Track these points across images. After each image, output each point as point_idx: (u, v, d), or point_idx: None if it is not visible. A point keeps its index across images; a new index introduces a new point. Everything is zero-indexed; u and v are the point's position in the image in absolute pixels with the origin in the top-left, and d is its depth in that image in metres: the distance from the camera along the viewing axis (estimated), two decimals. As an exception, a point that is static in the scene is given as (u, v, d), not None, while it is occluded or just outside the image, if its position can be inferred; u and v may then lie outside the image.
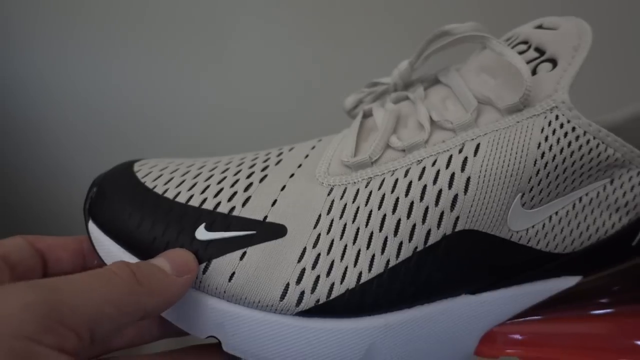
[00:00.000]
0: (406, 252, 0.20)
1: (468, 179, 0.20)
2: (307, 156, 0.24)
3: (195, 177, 0.23)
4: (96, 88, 0.62)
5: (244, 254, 0.20)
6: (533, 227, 0.21)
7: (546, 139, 0.20)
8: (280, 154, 0.25)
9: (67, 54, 0.60)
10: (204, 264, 0.20)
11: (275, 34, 0.53)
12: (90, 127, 0.64)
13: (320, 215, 0.21)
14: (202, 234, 0.21)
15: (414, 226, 0.20)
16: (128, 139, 0.64)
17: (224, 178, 0.23)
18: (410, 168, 0.21)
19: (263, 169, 0.23)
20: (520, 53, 0.23)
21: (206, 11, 0.54)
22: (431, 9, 0.48)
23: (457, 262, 0.21)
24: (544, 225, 0.22)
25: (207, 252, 0.20)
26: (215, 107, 0.58)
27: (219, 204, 0.22)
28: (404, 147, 0.22)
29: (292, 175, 0.23)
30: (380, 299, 0.20)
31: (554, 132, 0.20)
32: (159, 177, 0.23)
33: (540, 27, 0.24)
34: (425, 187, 0.20)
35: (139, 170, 0.23)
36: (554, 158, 0.20)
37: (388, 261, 0.20)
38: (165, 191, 0.22)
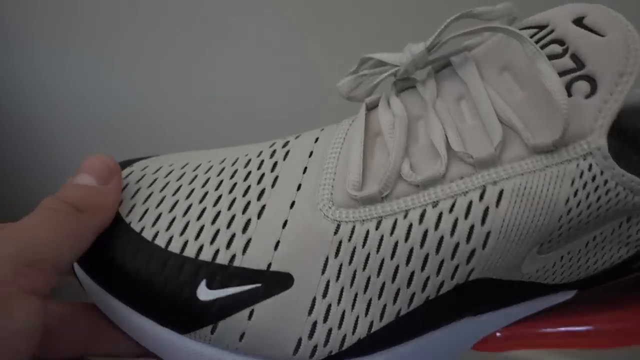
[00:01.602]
0: (418, 301, 0.20)
1: (488, 234, 0.19)
2: (305, 170, 0.22)
3: (185, 213, 0.21)
4: (93, 87, 0.63)
5: (251, 312, 0.19)
6: (544, 267, 0.21)
7: (575, 193, 0.19)
8: (275, 165, 0.22)
9: (65, 53, 0.61)
10: (211, 326, 0.19)
11: (271, 33, 0.53)
12: (87, 126, 0.67)
13: (327, 259, 0.20)
14: (204, 293, 0.19)
15: (427, 278, 0.19)
16: (124, 137, 0.66)
17: (218, 213, 0.21)
18: (425, 211, 0.19)
19: (260, 195, 0.21)
20: (553, 57, 0.20)
21: (202, 11, 0.54)
22: (431, 9, 0.47)
23: (467, 303, 0.21)
24: (554, 264, 0.21)
25: (212, 314, 0.19)
26: (211, 106, 0.59)
27: (217, 252, 0.20)
28: (419, 182, 0.20)
29: (292, 205, 0.21)
30: (389, 340, 0.20)
31: (584, 185, 0.18)
32: (144, 213, 0.21)
33: (581, 21, 0.20)
34: (442, 238, 0.19)
35: (121, 204, 0.21)
36: (579, 214, 0.19)
37: (400, 310, 0.20)
38: (156, 236, 0.20)
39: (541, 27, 0.21)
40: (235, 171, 0.22)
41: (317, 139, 0.23)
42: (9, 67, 0.66)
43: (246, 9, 0.53)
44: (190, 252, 0.20)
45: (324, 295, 0.20)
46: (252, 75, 0.57)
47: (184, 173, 0.22)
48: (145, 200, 0.21)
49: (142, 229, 0.20)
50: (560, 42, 0.20)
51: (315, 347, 0.19)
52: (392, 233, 0.19)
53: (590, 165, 0.18)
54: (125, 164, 0.23)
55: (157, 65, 0.59)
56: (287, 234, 0.20)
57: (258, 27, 0.54)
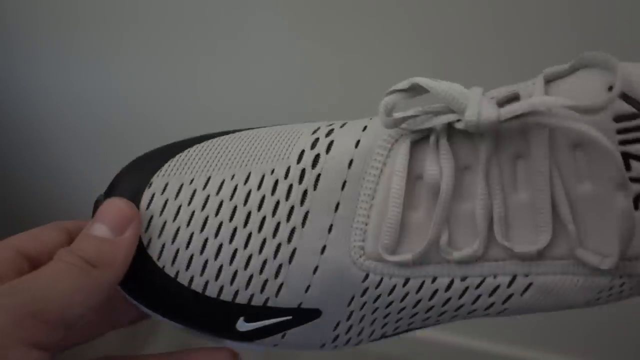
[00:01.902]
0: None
1: (504, 310, 0.20)
2: (337, 207, 0.21)
3: (217, 255, 0.21)
4: (94, 88, 0.65)
5: (284, 335, 0.22)
6: None
7: (597, 300, 0.19)
8: (305, 196, 0.21)
9: (66, 54, 0.63)
10: (248, 342, 0.22)
11: (270, 35, 0.53)
12: (88, 126, 0.69)
13: (353, 297, 0.21)
14: (242, 326, 0.22)
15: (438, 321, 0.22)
16: (124, 138, 0.68)
17: (250, 257, 0.21)
18: (453, 282, 0.20)
19: (290, 236, 0.21)
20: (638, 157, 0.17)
21: (202, 13, 0.54)
22: (430, 9, 0.47)
23: None
24: None
25: (249, 336, 0.22)
26: (212, 106, 0.60)
27: (252, 296, 0.21)
28: (454, 260, 0.20)
29: (323, 250, 0.21)
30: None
31: (608, 296, 0.19)
32: (176, 255, 0.21)
33: None
34: (462, 306, 0.20)
35: (150, 245, 0.21)
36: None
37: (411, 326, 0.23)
38: (191, 281, 0.21)
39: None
40: (263, 198, 0.21)
41: (351, 162, 0.21)
42: (9, 67, 0.67)
43: (247, 10, 0.53)
44: (226, 296, 0.21)
45: (347, 319, 0.22)
46: (253, 76, 0.57)
47: (208, 197, 0.21)
48: (174, 239, 0.21)
49: (177, 273, 0.21)
50: None
51: (336, 346, 0.23)
52: (417, 292, 0.21)
53: (623, 285, 0.19)
54: (141, 175, 0.22)
55: (158, 66, 0.60)
56: (317, 279, 0.21)
57: (259, 28, 0.54)
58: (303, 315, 0.22)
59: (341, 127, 0.22)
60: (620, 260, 0.18)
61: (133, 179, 0.22)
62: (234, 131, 0.23)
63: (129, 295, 0.22)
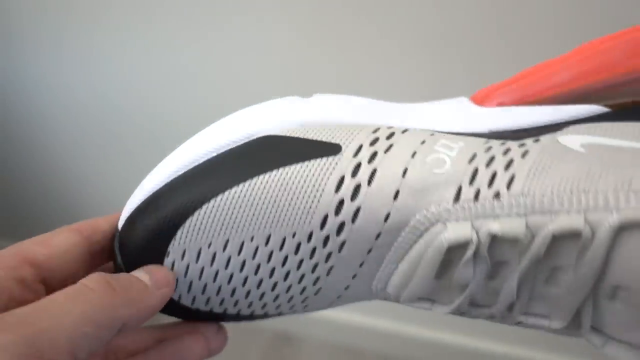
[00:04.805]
0: None
1: None
2: (362, 264, 0.21)
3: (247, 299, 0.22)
4: (94, 89, 0.65)
5: None
6: None
7: None
8: (329, 256, 0.20)
9: (66, 55, 0.63)
10: None
11: (274, 34, 0.54)
12: (89, 127, 0.69)
13: None
14: None
15: None
16: (125, 138, 0.68)
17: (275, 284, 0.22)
18: None
19: (315, 282, 0.21)
20: None
21: (204, 13, 0.55)
22: (431, 10, 0.47)
23: None
24: None
25: None
26: (215, 107, 0.59)
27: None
28: None
29: (347, 287, 0.22)
30: None
31: None
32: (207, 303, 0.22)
33: None
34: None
35: (181, 299, 0.22)
36: None
37: None
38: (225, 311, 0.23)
39: None
40: (286, 257, 0.21)
41: (379, 235, 0.20)
42: (9, 67, 0.66)
43: (250, 10, 0.53)
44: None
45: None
46: (253, 75, 0.57)
47: (230, 257, 0.21)
48: (203, 293, 0.22)
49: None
50: None
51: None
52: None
53: None
54: (155, 247, 0.21)
55: (159, 66, 0.61)
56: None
57: (259, 28, 0.54)
58: None
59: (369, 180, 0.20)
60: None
61: (147, 251, 0.21)
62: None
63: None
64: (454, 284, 0.19)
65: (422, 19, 0.47)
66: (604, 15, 0.44)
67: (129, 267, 0.21)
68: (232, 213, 0.20)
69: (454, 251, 0.19)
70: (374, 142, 0.20)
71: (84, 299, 0.16)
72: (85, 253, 0.21)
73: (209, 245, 0.20)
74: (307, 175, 0.20)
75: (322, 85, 0.55)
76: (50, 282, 0.20)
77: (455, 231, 0.18)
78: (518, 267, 0.18)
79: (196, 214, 0.20)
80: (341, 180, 0.19)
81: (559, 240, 0.18)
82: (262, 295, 0.22)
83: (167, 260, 0.20)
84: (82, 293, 0.17)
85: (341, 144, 0.20)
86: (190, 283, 0.21)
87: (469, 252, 0.18)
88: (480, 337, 0.75)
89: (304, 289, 0.21)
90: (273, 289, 0.21)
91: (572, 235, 0.17)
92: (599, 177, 0.18)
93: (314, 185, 0.19)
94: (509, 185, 0.18)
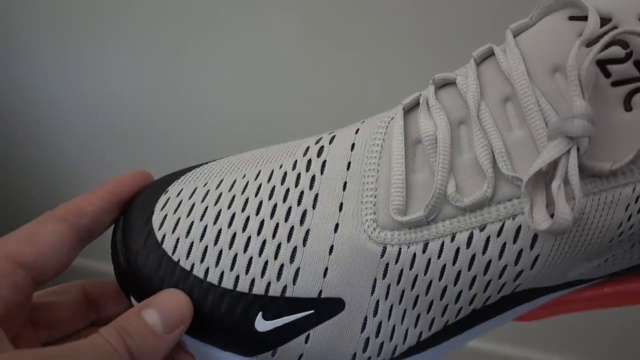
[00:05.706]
0: (465, 313, 0.21)
1: (537, 257, 0.19)
2: (345, 186, 0.21)
3: (231, 244, 0.21)
4: (94, 89, 0.64)
5: (307, 337, 0.20)
6: (588, 270, 0.21)
7: (629, 217, 0.18)
8: (313, 181, 0.21)
9: (67, 55, 0.63)
10: (271, 351, 0.21)
11: (275, 34, 0.54)
12: (90, 127, 0.68)
13: (375, 280, 0.20)
14: (261, 325, 0.20)
15: (475, 295, 0.20)
16: (126, 139, 0.67)
17: (264, 242, 0.21)
18: (472, 234, 0.19)
19: (302, 218, 0.21)
20: (614, 61, 0.18)
21: (205, 13, 0.55)
22: (431, 11, 0.47)
23: (510, 305, 0.22)
24: (598, 265, 0.21)
25: (271, 342, 0.20)
26: (215, 107, 0.59)
27: (269, 284, 0.20)
28: (465, 206, 0.19)
29: (336, 228, 0.20)
30: (437, 342, 0.22)
31: (638, 210, 0.18)
32: (190, 248, 0.21)
33: None
34: (490, 262, 0.19)
35: (164, 240, 0.21)
36: (631, 234, 0.19)
37: (447, 321, 0.21)
38: (207, 273, 0.20)
39: (603, 20, 0.18)
40: (273, 189, 0.21)
41: (353, 146, 0.22)
42: (9, 68, 0.66)
43: (251, 10, 0.53)
44: (243, 287, 0.20)
45: (375, 314, 0.20)
46: (255, 76, 0.57)
47: (221, 194, 0.22)
48: (188, 233, 0.21)
49: (192, 266, 0.20)
50: (623, 45, 0.18)
51: (369, 358, 0.21)
52: (439, 256, 0.20)
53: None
54: (158, 188, 0.23)
55: (161, 66, 0.60)
56: (334, 260, 0.20)
57: (260, 28, 0.54)
58: (325, 307, 0.20)
59: (341, 130, 0.23)
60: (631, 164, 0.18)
61: (150, 192, 0.23)
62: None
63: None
64: (425, 152, 0.21)
65: (422, 19, 0.48)
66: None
67: (127, 210, 0.22)
68: (231, 162, 0.23)
69: None
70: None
71: (107, 356, 0.17)
72: (73, 241, 0.21)
73: (205, 185, 0.22)
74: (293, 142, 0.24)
75: (322, 85, 0.54)
76: (40, 279, 0.20)
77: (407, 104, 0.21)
78: None
79: (200, 167, 0.24)
80: (321, 137, 0.23)
81: None
82: (248, 240, 0.21)
83: (163, 197, 0.22)
84: (106, 350, 0.17)
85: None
86: (177, 221, 0.21)
87: (422, 101, 0.21)
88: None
89: (291, 231, 0.21)
90: (259, 231, 0.21)
91: None
92: None
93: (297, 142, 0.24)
94: None
